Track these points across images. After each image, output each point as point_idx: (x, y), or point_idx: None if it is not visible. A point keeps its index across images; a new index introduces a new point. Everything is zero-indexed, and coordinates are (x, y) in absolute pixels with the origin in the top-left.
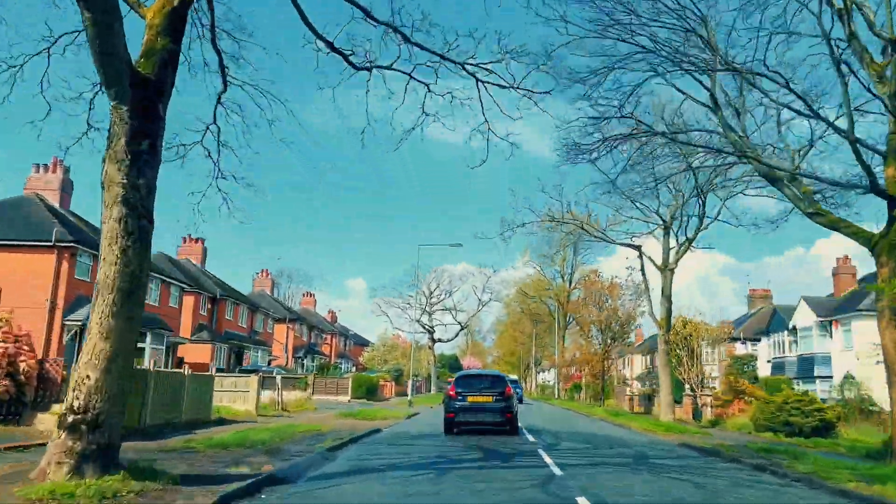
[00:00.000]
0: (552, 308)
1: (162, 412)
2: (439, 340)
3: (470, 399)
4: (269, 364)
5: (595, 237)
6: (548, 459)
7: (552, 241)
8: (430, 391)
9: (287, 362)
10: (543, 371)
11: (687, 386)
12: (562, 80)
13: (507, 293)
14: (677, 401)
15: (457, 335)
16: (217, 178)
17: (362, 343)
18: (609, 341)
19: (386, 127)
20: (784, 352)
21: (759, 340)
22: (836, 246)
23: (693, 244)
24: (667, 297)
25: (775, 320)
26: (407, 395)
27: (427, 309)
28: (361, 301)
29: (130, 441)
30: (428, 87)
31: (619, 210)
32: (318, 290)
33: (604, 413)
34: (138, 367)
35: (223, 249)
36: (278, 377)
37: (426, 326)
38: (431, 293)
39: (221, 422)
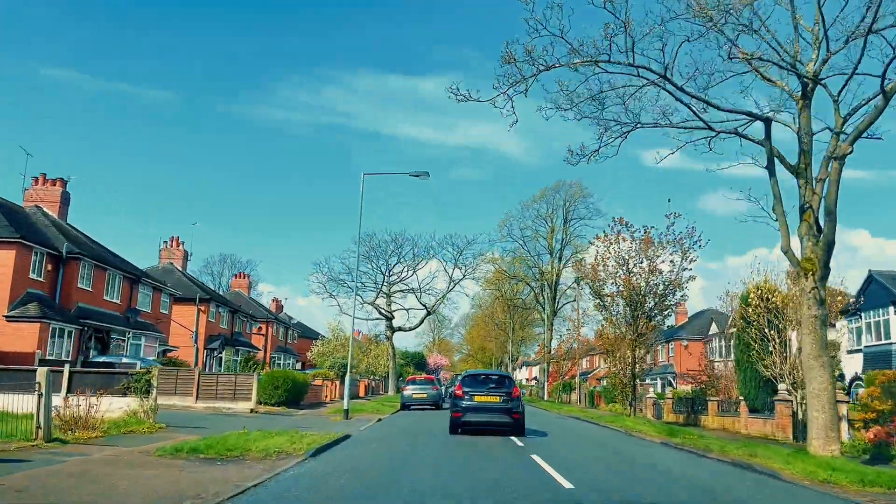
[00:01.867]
0: (536, 291)
1: None
2: (400, 329)
3: (477, 399)
4: (161, 356)
5: (683, 100)
6: None
7: (540, 210)
8: (387, 392)
9: (198, 356)
10: (518, 369)
11: (782, 385)
12: None
13: (487, 269)
14: (756, 409)
15: (422, 321)
16: None
17: (311, 336)
18: (644, 320)
19: None
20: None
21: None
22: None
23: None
24: (829, 211)
25: (873, 292)
26: (353, 399)
27: (384, 290)
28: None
29: None
30: None
31: (727, 60)
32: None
33: (662, 433)
34: None
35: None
36: (42, 377)
37: (383, 311)
38: (390, 270)
39: None
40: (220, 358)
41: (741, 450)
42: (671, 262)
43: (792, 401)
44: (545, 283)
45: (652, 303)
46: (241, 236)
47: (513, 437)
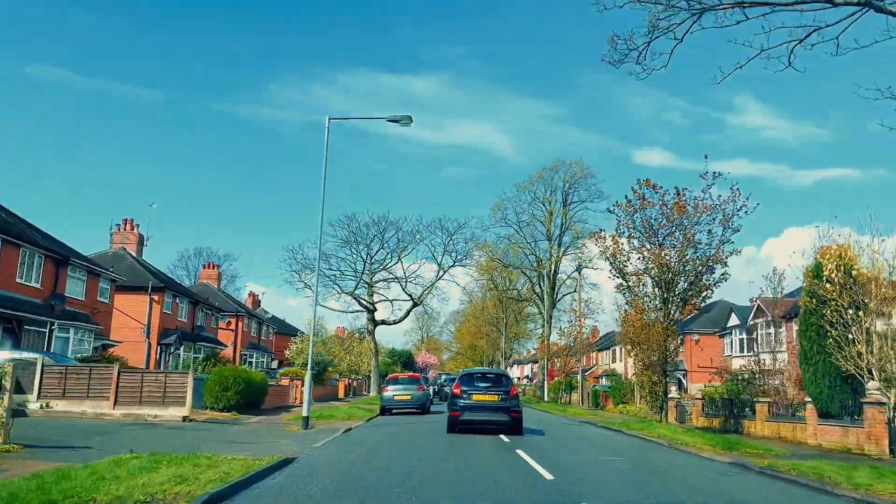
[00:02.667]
0: (533, 281)
1: None
2: (383, 322)
3: (476, 398)
4: (99, 351)
5: None
6: None
7: (537, 193)
8: (370, 392)
9: (150, 353)
10: (509, 367)
11: (872, 384)
12: None
13: (479, 256)
14: (830, 413)
15: (407, 314)
16: None
17: (289, 332)
18: (677, 303)
19: None
20: None
21: None
22: (789, 244)
23: None
24: None
25: None
26: (329, 402)
27: (365, 278)
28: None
29: None
30: None
31: None
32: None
33: (716, 446)
34: None
35: None
36: None
37: (364, 303)
38: (372, 256)
39: None
40: (179, 355)
41: (883, 481)
42: (709, 232)
43: (887, 403)
44: (543, 272)
45: (686, 282)
46: (240, 236)
47: (529, 461)
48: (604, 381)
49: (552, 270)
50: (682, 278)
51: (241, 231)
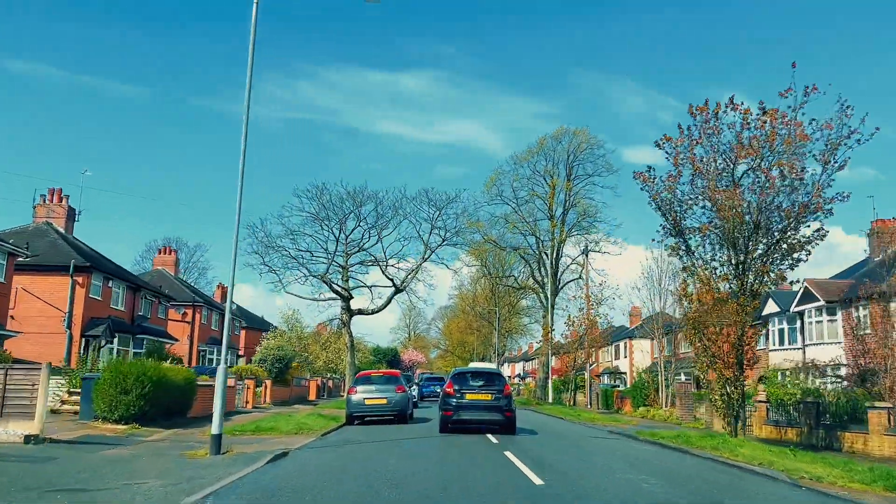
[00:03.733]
0: (532, 266)
1: None
2: (360, 312)
3: (469, 397)
4: None
5: None
6: None
7: (537, 166)
8: (344, 394)
9: (70, 347)
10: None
11: None
12: None
13: (472, 234)
14: None
15: (389, 301)
16: None
17: (260, 328)
18: (759, 268)
19: None
20: None
21: None
22: None
23: None
24: None
25: None
26: (295, 405)
27: (340, 260)
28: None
29: None
30: None
31: None
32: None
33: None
34: None
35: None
36: None
37: (338, 289)
38: (347, 235)
39: None
40: (112, 349)
41: None
42: (801, 168)
43: None
44: (544, 255)
45: (772, 238)
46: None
47: None
48: (606, 380)
49: (555, 253)
50: (764, 233)
51: (224, 226)
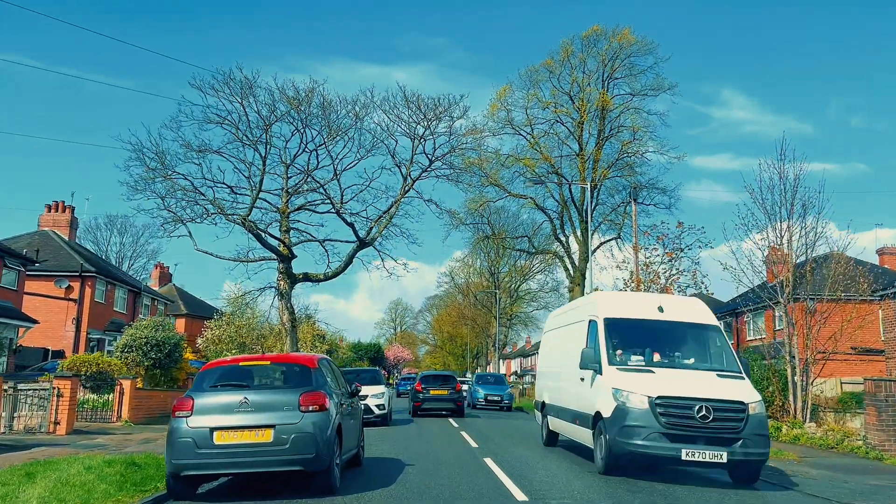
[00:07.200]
0: (553, 218)
1: None
2: (307, 277)
3: (432, 392)
4: None
5: None
6: None
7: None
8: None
9: None
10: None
11: None
12: None
13: (471, 150)
14: None
15: (350, 260)
16: None
17: (202, 315)
18: None
19: None
20: None
21: None
22: None
23: None
24: None
25: None
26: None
27: (275, 200)
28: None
29: None
30: None
31: None
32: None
33: None
34: None
35: None
36: None
37: (272, 242)
38: (292, 159)
39: None
40: None
41: None
42: None
43: None
44: (570, 199)
45: None
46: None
47: None
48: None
49: (588, 198)
50: None
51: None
